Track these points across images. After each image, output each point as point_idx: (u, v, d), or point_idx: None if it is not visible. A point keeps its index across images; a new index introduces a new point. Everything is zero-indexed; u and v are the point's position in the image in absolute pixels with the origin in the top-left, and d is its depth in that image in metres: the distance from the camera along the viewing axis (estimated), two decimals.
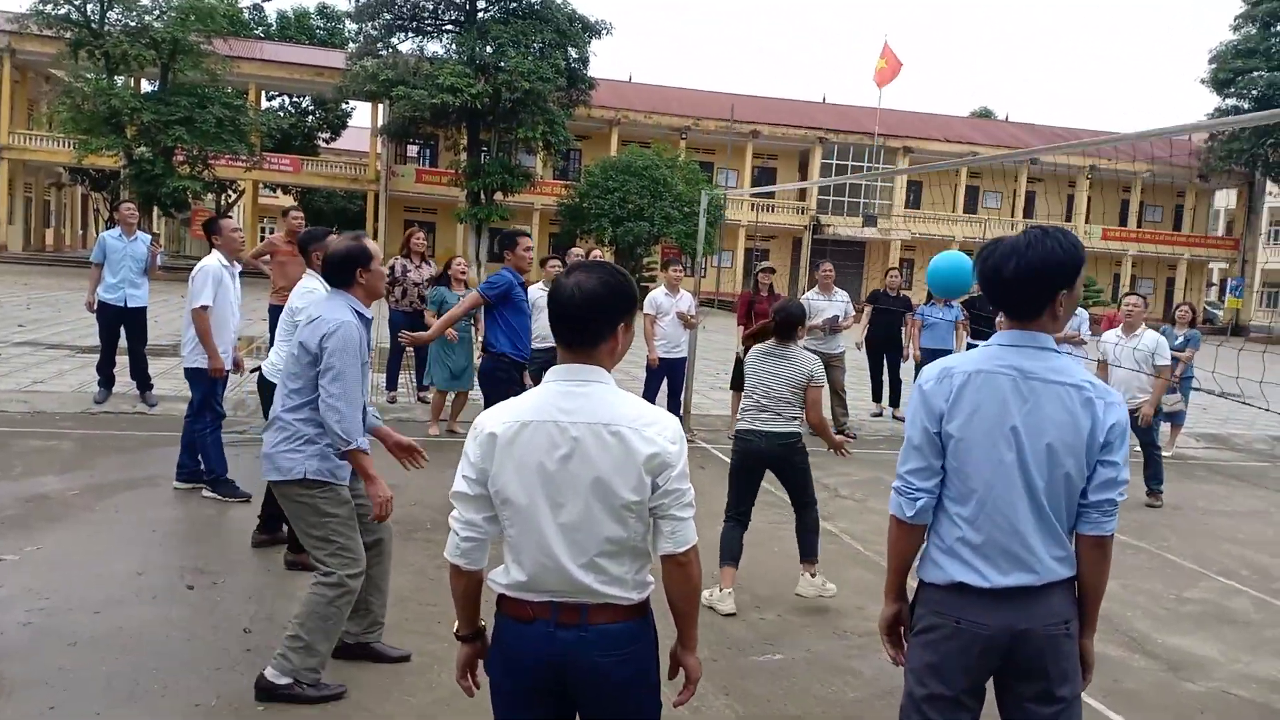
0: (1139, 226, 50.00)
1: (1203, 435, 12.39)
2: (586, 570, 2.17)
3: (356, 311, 3.80)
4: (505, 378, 6.49)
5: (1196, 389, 11.18)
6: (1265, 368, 7.94)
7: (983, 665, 2.43)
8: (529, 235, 6.92)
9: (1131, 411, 7.88)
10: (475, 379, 8.29)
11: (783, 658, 4.57)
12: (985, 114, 59.32)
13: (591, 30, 34.79)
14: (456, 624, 2.39)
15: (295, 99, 46.42)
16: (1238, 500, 8.95)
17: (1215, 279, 55.77)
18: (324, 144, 48.20)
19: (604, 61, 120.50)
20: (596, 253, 13.61)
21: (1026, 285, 2.40)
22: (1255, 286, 50.74)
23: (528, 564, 2.19)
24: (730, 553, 5.18)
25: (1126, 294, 11.91)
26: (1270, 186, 47.14)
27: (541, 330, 7.58)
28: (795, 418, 5.17)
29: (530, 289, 7.09)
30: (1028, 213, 48.75)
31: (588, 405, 2.18)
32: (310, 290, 4.88)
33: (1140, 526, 7.55)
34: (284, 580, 5.07)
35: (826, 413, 5.93)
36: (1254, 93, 42.63)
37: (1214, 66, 43.74)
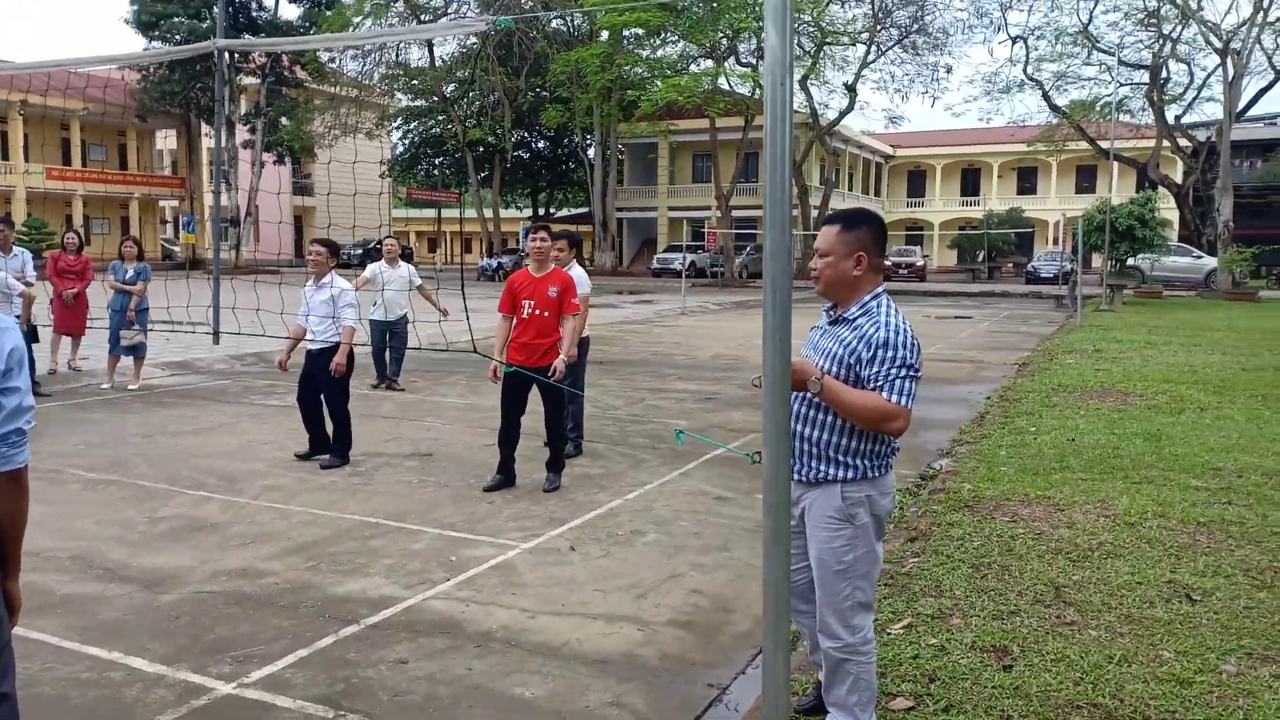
0: (84, 166, 48.66)
1: (169, 364, 12.86)
2: None
3: None
4: None
5: (155, 323, 11.51)
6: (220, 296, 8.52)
7: None
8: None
9: None
10: None
11: None
12: None
13: None
14: None
15: None
16: (205, 418, 9.53)
17: (169, 216, 57.70)
18: None
19: None
20: None
21: None
22: (205, 222, 54.00)
23: None
24: None
25: (68, 233, 11.57)
26: (205, 128, 50.19)
27: None
28: None
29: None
30: None
31: None
32: None
33: (112, 462, 7.54)
34: None
35: None
36: (178, 37, 44.56)
37: (136, 8, 44.35)
